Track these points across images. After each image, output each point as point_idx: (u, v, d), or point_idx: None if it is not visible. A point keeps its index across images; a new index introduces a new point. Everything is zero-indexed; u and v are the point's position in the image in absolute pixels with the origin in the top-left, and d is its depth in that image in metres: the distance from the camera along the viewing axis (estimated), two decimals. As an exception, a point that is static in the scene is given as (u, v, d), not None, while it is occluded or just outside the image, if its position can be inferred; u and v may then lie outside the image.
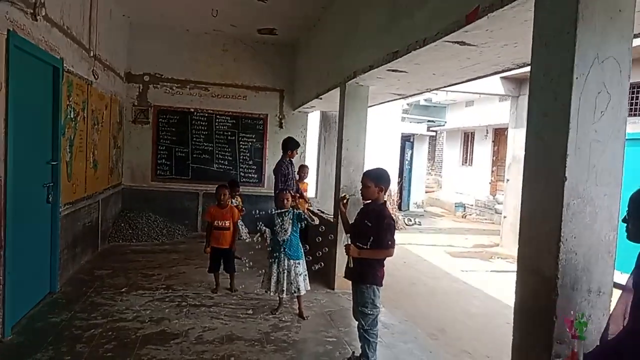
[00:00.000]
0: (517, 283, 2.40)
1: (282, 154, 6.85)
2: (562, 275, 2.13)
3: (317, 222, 4.73)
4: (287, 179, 6.54)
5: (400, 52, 3.82)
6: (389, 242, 3.39)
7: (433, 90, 5.89)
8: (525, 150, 2.34)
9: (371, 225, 3.43)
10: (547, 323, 2.17)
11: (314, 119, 9.90)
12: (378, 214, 3.48)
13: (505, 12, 2.61)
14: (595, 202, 2.14)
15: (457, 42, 3.23)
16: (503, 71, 4.12)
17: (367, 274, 3.47)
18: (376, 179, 3.54)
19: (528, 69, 5.06)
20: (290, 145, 6.76)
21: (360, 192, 3.69)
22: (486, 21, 2.71)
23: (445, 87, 5.38)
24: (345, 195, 4.00)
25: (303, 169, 7.74)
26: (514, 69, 3.97)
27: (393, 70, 4.43)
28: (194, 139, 8.80)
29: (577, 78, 2.06)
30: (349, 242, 3.49)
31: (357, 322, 3.70)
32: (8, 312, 3.74)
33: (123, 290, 5.17)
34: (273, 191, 6.64)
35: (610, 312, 2.14)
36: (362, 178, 3.65)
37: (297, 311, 4.82)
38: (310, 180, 9.81)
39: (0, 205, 3.58)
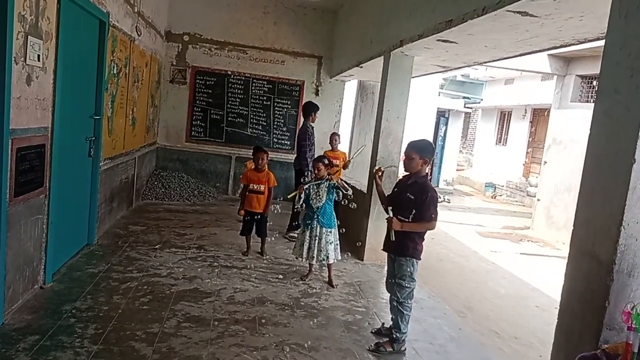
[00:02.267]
0: (568, 265, 2.32)
1: (303, 119, 6.59)
2: (620, 260, 2.04)
3: (350, 192, 4.68)
4: (312, 144, 6.40)
5: (454, 21, 3.66)
6: (432, 216, 3.36)
7: (480, 64, 5.68)
8: (591, 128, 2.21)
9: (414, 198, 3.38)
10: (599, 308, 2.09)
11: (350, 88, 9.74)
12: (421, 186, 3.43)
13: (578, -19, 2.45)
14: (663, 187, 2.02)
15: (520, 12, 3.06)
16: (561, 47, 3.92)
17: (407, 246, 3.44)
18: (421, 150, 3.46)
19: (580, 47, 4.85)
20: (313, 108, 6.51)
21: (403, 163, 3.58)
22: (556, -11, 2.56)
23: (493, 61, 5.18)
24: (380, 168, 3.92)
25: (334, 137, 7.41)
26: (573, 44, 3.77)
27: (443, 41, 4.26)
28: (230, 102, 8.78)
29: (657, 55, 1.92)
30: (392, 215, 3.41)
31: (388, 295, 3.69)
32: (50, 259, 3.85)
33: (157, 246, 5.27)
34: (298, 158, 6.46)
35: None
36: (407, 149, 3.52)
37: (327, 279, 4.84)
38: (343, 150, 9.75)
39: (46, 154, 3.64)
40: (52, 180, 3.75)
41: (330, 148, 7.27)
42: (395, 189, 3.68)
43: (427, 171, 3.56)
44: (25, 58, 3.21)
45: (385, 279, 3.92)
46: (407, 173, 3.58)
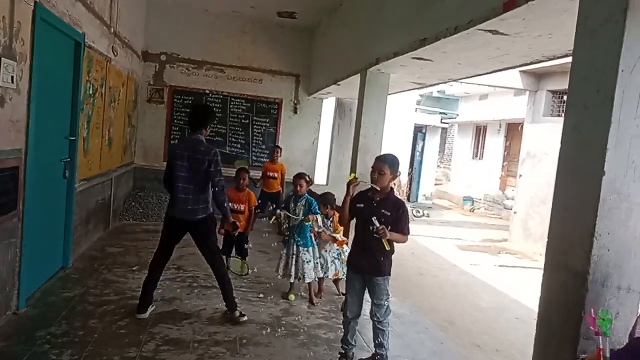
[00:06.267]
0: (544, 276, 2.36)
1: (194, 130, 4.26)
2: (594, 271, 2.08)
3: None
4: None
5: (428, 40, 3.74)
6: (409, 229, 3.37)
7: (455, 80, 5.79)
8: (561, 143, 2.28)
9: (390, 214, 3.30)
10: (575, 318, 2.13)
11: (328, 106, 9.83)
12: (395, 202, 3.40)
13: (545, 1, 2.53)
14: (632, 198, 2.08)
15: (490, 31, 3.15)
16: (531, 63, 4.03)
17: (385, 264, 3.38)
18: (392, 165, 3.37)
19: (549, 63, 5.00)
20: (211, 117, 4.45)
21: (372, 178, 3.37)
22: (525, 9, 2.63)
23: (467, 77, 5.29)
24: (356, 177, 3.60)
25: (276, 149, 7.62)
26: (543, 61, 3.88)
27: (418, 58, 4.35)
28: (208, 120, 8.74)
29: (622, 70, 1.99)
30: (378, 225, 3.20)
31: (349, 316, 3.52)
32: (23, 284, 3.74)
33: (134, 268, 5.17)
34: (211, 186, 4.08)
35: (640, 310, 2.10)
36: (377, 163, 3.36)
37: (308, 297, 4.82)
38: (322, 168, 9.80)
39: (20, 176, 3.57)
40: (26, 202, 3.67)
41: (271, 160, 7.64)
42: (361, 205, 3.41)
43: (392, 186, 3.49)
44: (-1, 79, 3.17)
45: (345, 299, 3.62)
46: (367, 188, 3.46)
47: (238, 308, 4.16)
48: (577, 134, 2.21)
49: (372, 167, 3.40)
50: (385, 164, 3.35)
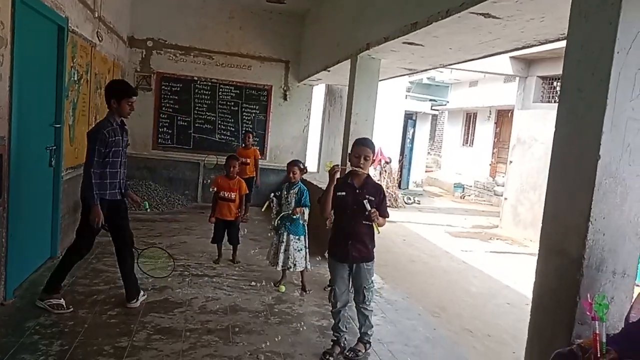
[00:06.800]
0: (538, 262, 2.35)
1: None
2: (589, 255, 2.07)
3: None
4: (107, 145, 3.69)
5: (419, 24, 3.69)
6: (388, 212, 3.39)
7: (446, 65, 5.75)
8: (556, 127, 2.25)
9: (374, 199, 3.26)
10: (570, 303, 2.12)
11: (318, 92, 9.75)
12: (375, 186, 3.40)
13: (539, -18, 2.50)
14: (627, 182, 2.07)
15: (482, 14, 3.10)
16: (523, 48, 3.99)
17: (372, 249, 3.41)
18: (373, 149, 3.36)
19: (540, 48, 4.98)
20: (118, 92, 3.80)
21: (355, 163, 3.27)
22: (518, -9, 2.60)
23: (458, 62, 5.24)
24: (339, 165, 3.44)
25: (248, 135, 7.74)
26: (534, 45, 3.85)
27: (409, 43, 4.29)
28: (197, 108, 8.66)
29: (617, 52, 1.97)
30: (371, 209, 3.16)
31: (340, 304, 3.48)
32: (10, 274, 3.68)
33: (125, 257, 5.11)
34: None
35: (635, 295, 2.10)
36: (362, 149, 3.27)
37: (300, 284, 4.80)
38: (312, 155, 9.75)
39: (3, 165, 3.48)
40: (11, 191, 3.59)
41: (243, 145, 7.74)
42: (343, 193, 3.30)
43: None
44: (-21, 65, 3.07)
45: (331, 290, 3.53)
46: (344, 176, 3.40)
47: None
48: (572, 118, 2.19)
49: (356, 153, 3.30)
50: (370, 149, 3.32)
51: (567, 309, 2.14)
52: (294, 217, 4.59)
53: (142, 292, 4.06)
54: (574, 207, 2.14)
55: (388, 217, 3.39)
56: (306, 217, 4.67)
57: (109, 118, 3.79)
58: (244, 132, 8.15)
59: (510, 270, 7.64)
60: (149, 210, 4.51)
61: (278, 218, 4.68)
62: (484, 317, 5.50)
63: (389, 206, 12.31)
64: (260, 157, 7.97)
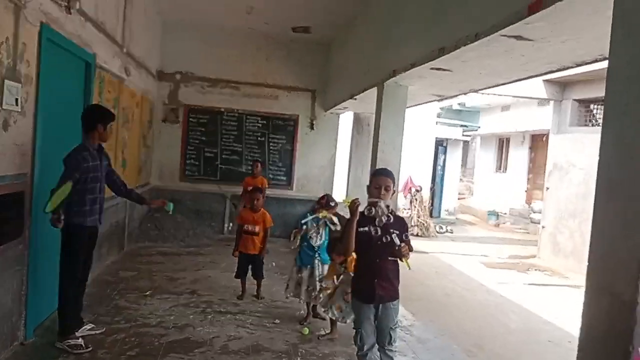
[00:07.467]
0: (585, 301, 2.09)
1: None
2: (644, 299, 1.82)
3: (338, 227, 4.46)
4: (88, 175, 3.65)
5: (447, 49, 3.53)
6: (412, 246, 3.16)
7: (476, 90, 5.55)
8: (600, 153, 2.03)
9: (399, 233, 3.06)
10: (621, 353, 1.87)
11: (346, 121, 9.65)
12: (399, 219, 3.21)
13: (574, 1, 2.31)
14: (685, 217, 1.83)
15: (514, 37, 2.93)
16: (558, 70, 3.78)
17: (397, 287, 3.18)
18: (393, 180, 3.19)
19: (574, 71, 4.74)
20: (99, 117, 3.81)
21: (376, 195, 3.06)
22: (552, 11, 2.41)
23: (489, 87, 5.04)
24: (358, 199, 3.07)
25: (256, 164, 7.62)
26: (570, 67, 3.63)
27: (436, 69, 4.14)
28: (224, 139, 8.68)
29: (669, 71, 1.76)
30: (401, 244, 2.98)
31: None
32: (30, 313, 3.61)
33: (147, 293, 5.03)
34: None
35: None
36: (383, 179, 3.09)
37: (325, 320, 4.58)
38: (340, 184, 9.59)
39: (26, 202, 3.46)
40: (32, 229, 3.55)
41: (252, 173, 7.61)
42: (365, 228, 3.06)
43: None
44: (2, 103, 3.07)
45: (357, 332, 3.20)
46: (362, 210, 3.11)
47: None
48: (617, 145, 1.97)
49: (376, 184, 3.10)
50: (389, 178, 3.14)
51: (619, 357, 1.88)
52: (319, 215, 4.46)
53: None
54: (624, 243, 1.90)
55: (412, 250, 3.16)
56: (335, 220, 4.50)
57: (85, 143, 3.75)
58: (254, 160, 7.98)
59: (550, 304, 7.20)
60: (171, 212, 4.36)
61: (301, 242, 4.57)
62: (525, 356, 5.13)
63: (421, 235, 12.14)
64: (267, 185, 7.71)
